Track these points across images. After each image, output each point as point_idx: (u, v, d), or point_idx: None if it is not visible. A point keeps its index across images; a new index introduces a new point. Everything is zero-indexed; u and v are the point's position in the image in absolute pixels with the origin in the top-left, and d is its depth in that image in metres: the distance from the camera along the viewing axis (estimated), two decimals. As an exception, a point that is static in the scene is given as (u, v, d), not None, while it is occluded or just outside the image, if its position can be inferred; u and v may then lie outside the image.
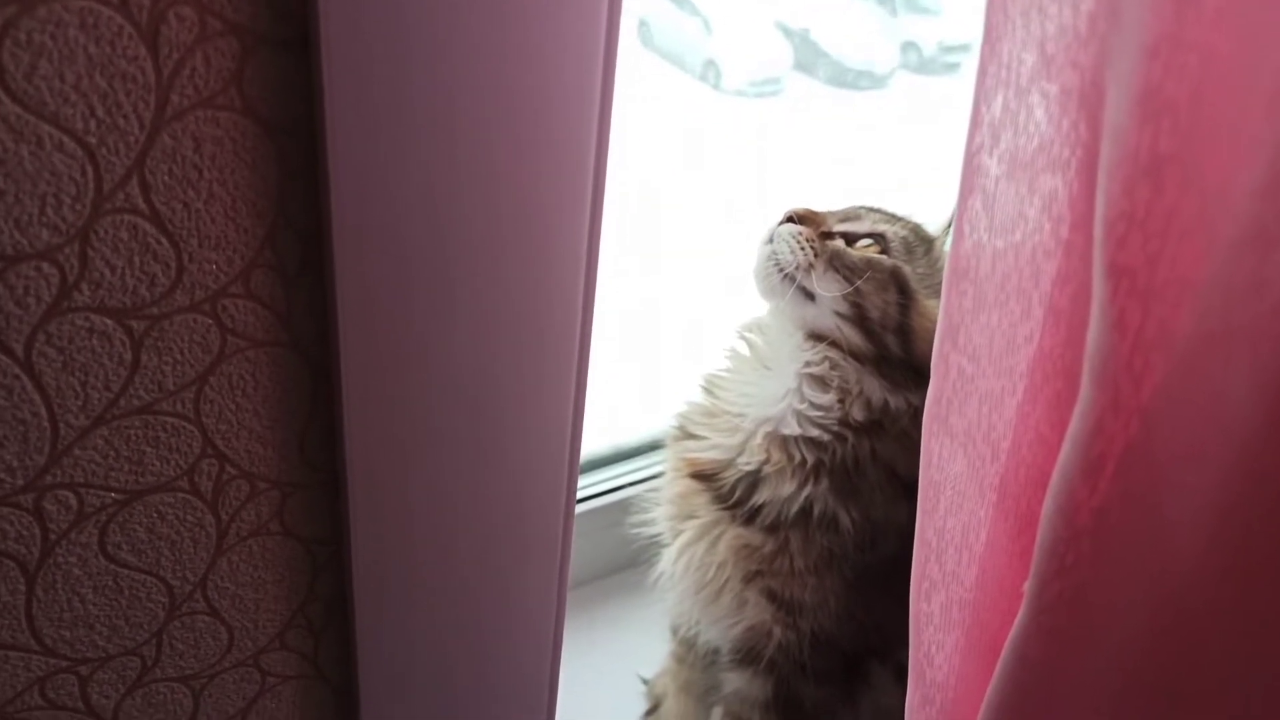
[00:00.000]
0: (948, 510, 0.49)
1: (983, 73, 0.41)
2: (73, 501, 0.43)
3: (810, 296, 0.65)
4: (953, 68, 1.68)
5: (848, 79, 1.64)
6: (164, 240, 0.40)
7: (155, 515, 0.45)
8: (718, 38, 1.57)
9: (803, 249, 0.65)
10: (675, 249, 1.33)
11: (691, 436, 0.72)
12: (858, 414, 0.64)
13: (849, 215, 0.68)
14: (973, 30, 1.68)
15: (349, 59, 0.38)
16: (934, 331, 0.63)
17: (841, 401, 0.65)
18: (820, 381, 0.65)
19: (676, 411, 0.74)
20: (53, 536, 0.43)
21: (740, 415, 0.69)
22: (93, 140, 0.37)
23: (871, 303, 0.63)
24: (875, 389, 0.64)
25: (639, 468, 0.92)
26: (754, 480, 0.67)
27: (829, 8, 1.70)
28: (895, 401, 0.64)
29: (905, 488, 0.65)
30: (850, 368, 0.64)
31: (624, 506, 0.86)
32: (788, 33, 1.62)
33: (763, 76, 1.61)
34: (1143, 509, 0.36)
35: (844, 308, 0.64)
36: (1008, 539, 0.45)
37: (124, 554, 0.45)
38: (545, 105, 0.43)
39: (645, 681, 0.85)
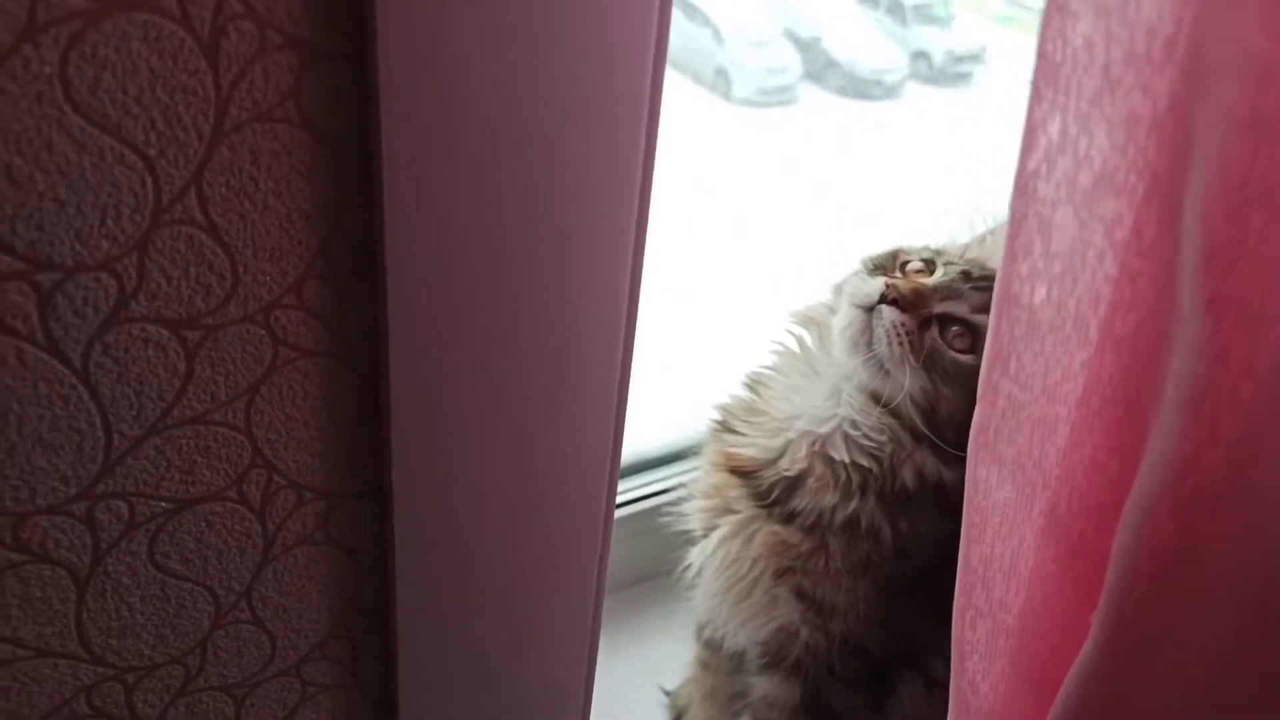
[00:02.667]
0: (995, 537, 0.49)
1: (1037, 98, 0.40)
2: (124, 511, 0.43)
3: (889, 373, 0.64)
4: (963, 78, 1.69)
5: (858, 88, 1.65)
6: (220, 252, 0.40)
7: (204, 525, 0.45)
8: (728, 47, 1.58)
9: (900, 343, 0.62)
10: (688, 260, 1.33)
11: (732, 431, 0.72)
12: (909, 479, 0.64)
13: (950, 291, 0.64)
14: (983, 41, 1.69)
15: (404, 71, 0.39)
16: None
17: (894, 454, 0.65)
18: (873, 432, 0.65)
19: (717, 404, 0.74)
20: (103, 545, 0.43)
21: (783, 419, 0.68)
22: (153, 152, 0.37)
23: (945, 403, 0.63)
24: (928, 460, 0.64)
25: (664, 477, 0.92)
26: (793, 485, 0.67)
27: (839, 17, 1.71)
28: (949, 475, 0.64)
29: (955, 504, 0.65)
30: (906, 439, 0.64)
31: (649, 514, 0.86)
32: (798, 42, 1.63)
33: (773, 85, 1.61)
34: (1238, 540, 0.35)
35: (920, 398, 0.63)
36: (1058, 566, 0.45)
37: (172, 563, 0.45)
38: (596, 114, 0.43)
39: (667, 693, 0.85)
